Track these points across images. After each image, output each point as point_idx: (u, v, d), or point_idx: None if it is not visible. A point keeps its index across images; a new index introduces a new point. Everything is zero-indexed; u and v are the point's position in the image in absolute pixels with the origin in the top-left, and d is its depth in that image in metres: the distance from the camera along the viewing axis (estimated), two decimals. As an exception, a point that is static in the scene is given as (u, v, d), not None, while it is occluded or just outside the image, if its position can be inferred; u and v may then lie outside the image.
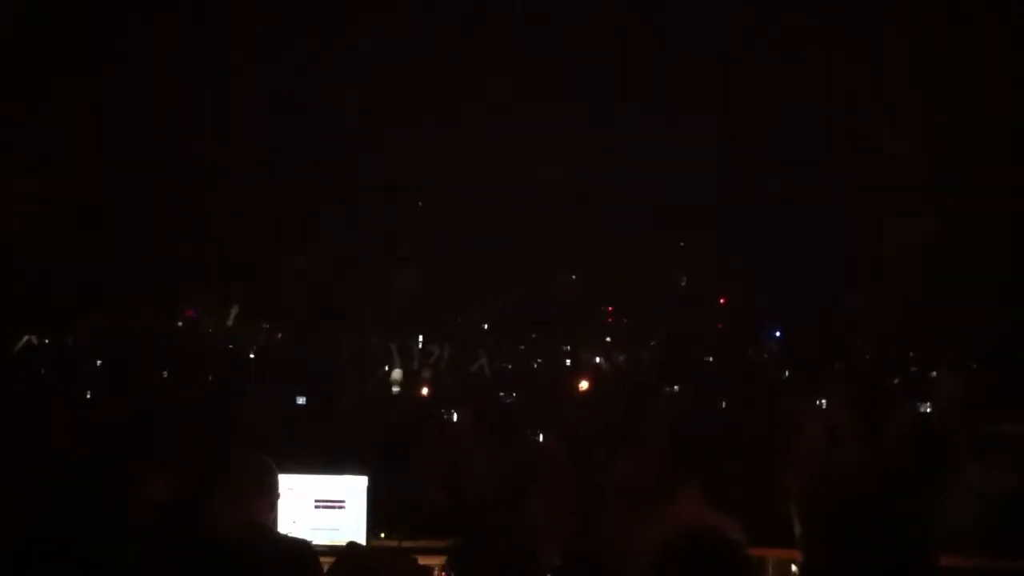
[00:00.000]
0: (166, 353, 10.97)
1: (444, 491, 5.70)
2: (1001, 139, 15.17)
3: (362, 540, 4.91)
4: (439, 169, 19.09)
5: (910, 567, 2.64)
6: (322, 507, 4.98)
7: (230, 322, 16.26)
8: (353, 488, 5.02)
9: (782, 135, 17.91)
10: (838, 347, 13.28)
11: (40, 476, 4.10)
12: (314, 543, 4.26)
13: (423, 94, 18.61)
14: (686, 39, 18.37)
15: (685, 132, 18.46)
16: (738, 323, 17.61)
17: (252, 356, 12.76)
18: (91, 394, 8.23)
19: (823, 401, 7.39)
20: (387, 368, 11.97)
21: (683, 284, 20.63)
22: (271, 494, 4.23)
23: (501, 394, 9.12)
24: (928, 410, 8.20)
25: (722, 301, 19.77)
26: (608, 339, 16.12)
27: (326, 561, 3.65)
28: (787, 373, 10.92)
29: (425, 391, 8.99)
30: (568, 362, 13.29)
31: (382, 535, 5.11)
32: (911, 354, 13.43)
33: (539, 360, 13.14)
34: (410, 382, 10.41)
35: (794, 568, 4.35)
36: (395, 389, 9.81)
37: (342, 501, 4.99)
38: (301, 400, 8.08)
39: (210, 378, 9.49)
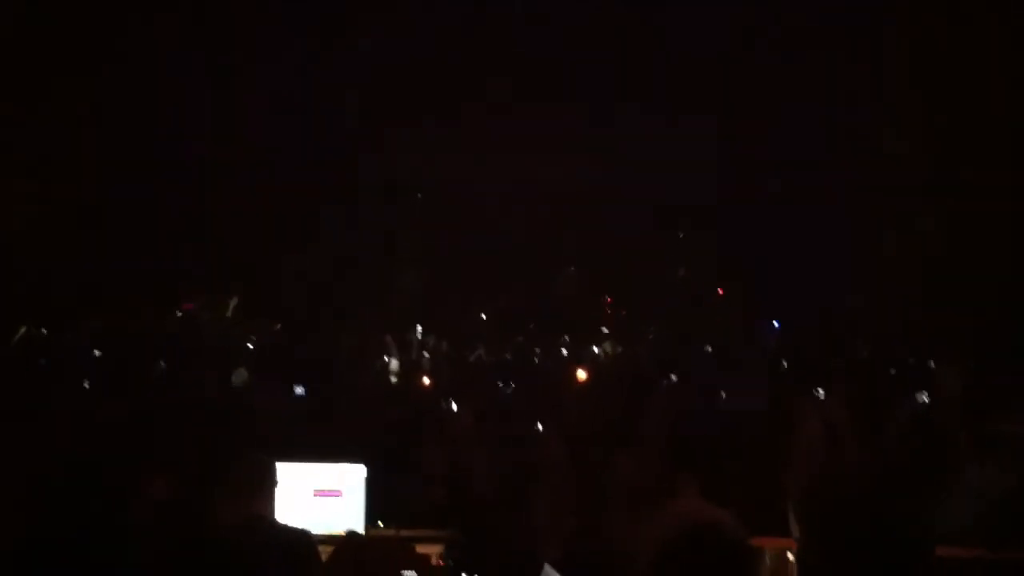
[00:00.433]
0: (164, 349, 10.97)
1: (444, 489, 5.71)
2: (1000, 136, 15.17)
3: (360, 529, 4.93)
4: (438, 167, 19.09)
5: (909, 567, 2.64)
6: (321, 496, 5.00)
7: (228, 314, 16.27)
8: (351, 477, 5.03)
9: (781, 133, 17.91)
10: (837, 344, 13.29)
11: (40, 475, 4.11)
12: (313, 532, 4.27)
13: (421, 93, 18.61)
14: (684, 38, 18.38)
15: (684, 129, 18.47)
16: (736, 315, 17.60)
17: (250, 347, 12.76)
18: (90, 391, 8.22)
19: (821, 395, 7.41)
20: (386, 358, 11.98)
21: (681, 275, 20.63)
22: (270, 489, 4.25)
23: (500, 384, 9.13)
24: (926, 399, 8.21)
25: (720, 292, 19.78)
26: (606, 330, 16.12)
27: (325, 550, 3.67)
28: (785, 364, 10.93)
29: (427, 381, 8.99)
30: (565, 352, 13.29)
31: (380, 524, 5.13)
32: (908, 349, 13.45)
33: (537, 350, 13.14)
34: (409, 373, 10.42)
35: (790, 557, 4.37)
36: (393, 379, 9.82)
37: (340, 490, 5.01)
38: (299, 390, 8.07)
39: (208, 373, 9.49)
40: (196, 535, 4.12)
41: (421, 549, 4.27)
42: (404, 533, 4.75)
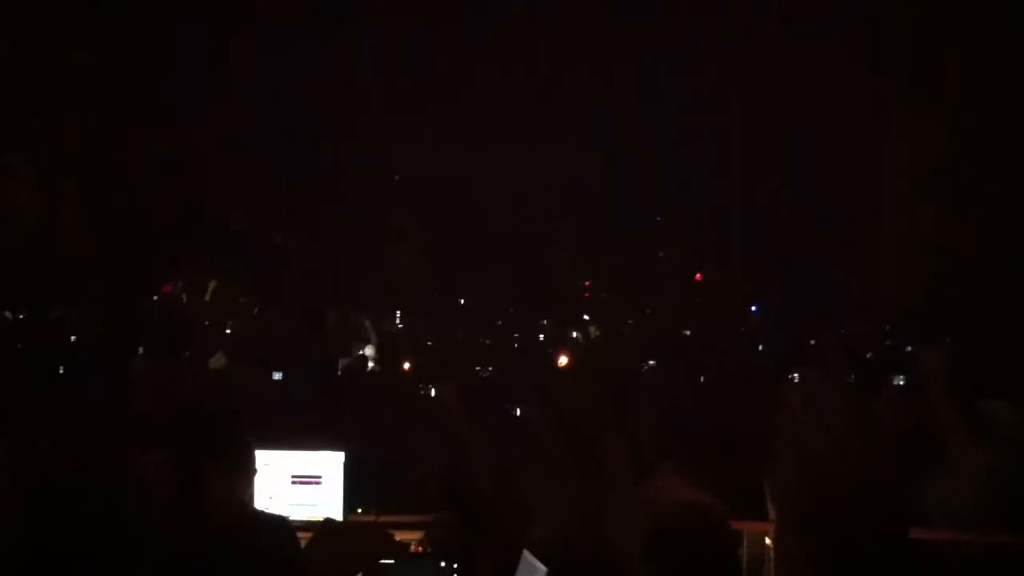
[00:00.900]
0: (143, 328, 10.90)
1: (432, 473, 5.70)
2: (989, 125, 15.24)
3: (339, 515, 4.92)
4: (419, 152, 19.03)
5: (884, 550, 2.66)
6: (299, 483, 4.99)
7: (207, 297, 16.18)
8: (330, 463, 5.02)
9: (765, 120, 17.95)
10: (824, 326, 13.34)
11: (30, 464, 4.08)
12: (291, 519, 4.26)
13: (406, 80, 18.57)
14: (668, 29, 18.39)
15: (666, 115, 18.47)
16: (716, 299, 17.66)
17: (228, 332, 12.71)
18: (66, 376, 8.17)
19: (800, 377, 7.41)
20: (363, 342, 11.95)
21: (661, 257, 20.66)
22: (249, 471, 4.23)
23: (477, 368, 9.13)
24: (902, 383, 8.25)
25: (698, 278, 19.82)
26: (586, 317, 16.12)
27: (303, 536, 3.66)
28: (760, 348, 10.97)
29: (407, 366, 8.97)
30: (541, 337, 13.28)
31: (359, 510, 5.12)
32: (887, 328, 13.51)
33: (517, 334, 13.14)
34: (387, 357, 10.38)
35: (768, 541, 4.38)
36: (370, 365, 9.78)
37: (319, 476, 5.00)
38: (277, 376, 8.06)
39: (187, 354, 9.44)
40: (179, 513, 4.11)
41: (401, 535, 4.27)
42: (383, 519, 4.74)
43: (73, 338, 10.58)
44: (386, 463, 5.64)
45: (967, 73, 15.57)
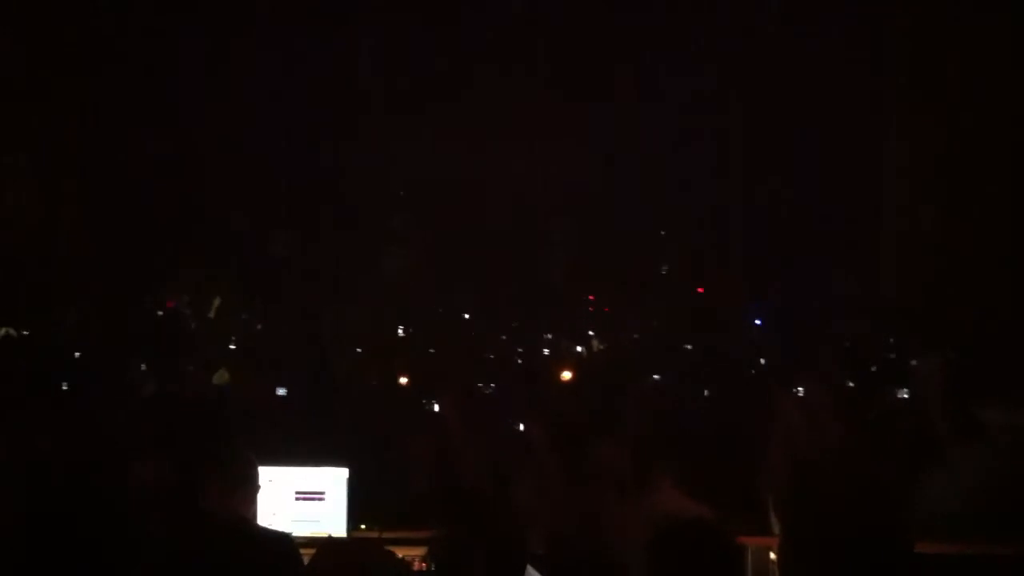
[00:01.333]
0: (147, 344, 10.91)
1: (429, 480, 5.69)
2: (987, 128, 15.23)
3: (343, 532, 4.92)
4: (420, 161, 19.04)
5: (887, 559, 2.65)
6: (302, 499, 4.99)
7: (212, 314, 16.20)
8: (334, 479, 5.02)
9: (765, 120, 17.93)
10: (819, 333, 13.33)
11: (32, 473, 4.08)
12: (295, 535, 4.26)
13: (400, 86, 18.56)
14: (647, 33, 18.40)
15: (665, 125, 18.48)
16: (718, 311, 17.63)
17: (232, 348, 12.71)
18: (71, 387, 8.18)
19: (801, 390, 7.40)
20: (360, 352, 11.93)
21: (664, 272, 20.66)
22: (252, 487, 4.23)
23: (480, 385, 9.11)
24: (906, 396, 8.23)
25: (700, 291, 19.81)
26: (590, 333, 16.10)
27: (307, 553, 3.66)
28: (762, 361, 10.95)
29: (404, 380, 8.94)
30: (547, 352, 13.27)
31: (363, 527, 5.12)
32: (891, 340, 13.48)
33: (520, 349, 13.13)
34: (390, 372, 10.37)
35: (772, 556, 4.38)
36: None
37: (322, 493, 4.99)
38: (281, 391, 8.06)
39: (191, 369, 9.45)
40: (180, 529, 4.11)
41: (404, 552, 4.26)
42: (387, 535, 4.74)
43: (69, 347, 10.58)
44: (385, 476, 5.63)
45: (967, 73, 15.55)
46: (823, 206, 17.63)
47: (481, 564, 3.79)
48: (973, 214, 15.36)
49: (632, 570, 2.93)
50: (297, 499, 4.98)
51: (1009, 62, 15.02)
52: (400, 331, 14.91)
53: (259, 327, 15.41)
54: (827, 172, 17.64)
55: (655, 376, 9.41)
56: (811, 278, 17.04)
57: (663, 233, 20.51)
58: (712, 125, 18.66)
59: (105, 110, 17.12)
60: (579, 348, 13.73)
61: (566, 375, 9.82)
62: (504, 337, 14.66)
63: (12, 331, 12.35)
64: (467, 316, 18.26)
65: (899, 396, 8.01)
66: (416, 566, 4.54)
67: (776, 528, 4.38)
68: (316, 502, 4.98)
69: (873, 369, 9.88)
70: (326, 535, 4.88)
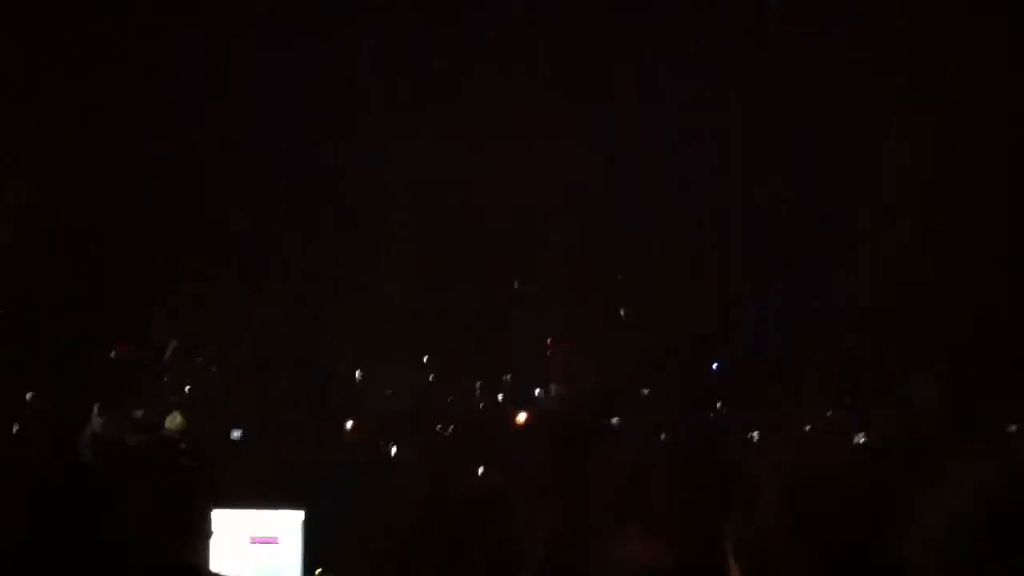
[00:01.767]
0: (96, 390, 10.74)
1: (388, 528, 5.60)
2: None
3: (297, 577, 4.83)
4: (376, 199, 18.88)
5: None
6: (257, 543, 4.89)
7: (167, 356, 15.98)
8: (288, 524, 4.93)
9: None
10: (780, 378, 13.32)
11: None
12: (248, 581, 4.17)
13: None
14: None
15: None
16: (678, 355, 17.59)
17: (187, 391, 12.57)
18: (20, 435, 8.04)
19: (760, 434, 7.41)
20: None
21: (623, 316, 20.63)
22: (206, 533, 4.15)
23: (439, 426, 9.06)
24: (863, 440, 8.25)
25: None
26: (556, 377, 16.01)
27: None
28: (719, 405, 10.98)
29: (349, 424, 8.86)
30: (500, 397, 13.20)
31: (318, 572, 5.03)
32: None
33: (478, 392, 13.09)
34: (349, 416, 10.30)
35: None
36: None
37: (276, 537, 4.90)
38: (236, 434, 7.97)
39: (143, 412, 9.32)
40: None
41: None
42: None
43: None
44: (343, 523, 5.55)
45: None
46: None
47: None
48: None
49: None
50: (251, 543, 4.89)
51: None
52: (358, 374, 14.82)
53: (214, 370, 15.24)
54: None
55: (613, 419, 9.38)
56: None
57: (620, 278, 20.50)
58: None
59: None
60: (538, 391, 13.71)
61: (521, 418, 9.78)
62: (462, 380, 14.61)
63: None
64: (425, 359, 18.15)
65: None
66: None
67: (736, 574, 4.35)
68: (271, 547, 4.89)
69: (830, 413, 9.93)
70: (280, 581, 4.79)
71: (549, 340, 20.06)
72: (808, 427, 8.23)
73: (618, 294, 20.36)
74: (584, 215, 18.89)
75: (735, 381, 14.25)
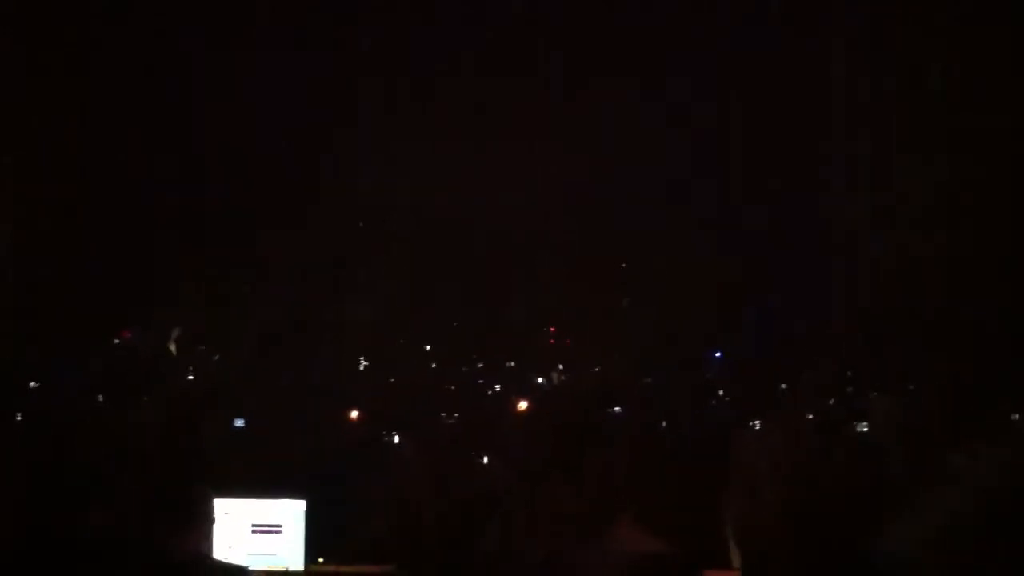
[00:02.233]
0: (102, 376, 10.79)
1: (385, 521, 5.65)
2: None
3: (300, 566, 4.87)
4: (379, 192, 18.94)
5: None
6: (259, 532, 4.93)
7: (171, 345, 16.02)
8: (290, 512, 4.97)
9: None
10: (781, 370, 13.34)
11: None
12: (251, 568, 4.20)
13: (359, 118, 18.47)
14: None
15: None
16: (679, 345, 17.62)
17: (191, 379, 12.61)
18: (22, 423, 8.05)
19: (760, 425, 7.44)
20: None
21: (625, 305, 20.66)
22: (207, 521, 4.18)
23: (443, 414, 9.09)
24: (865, 430, 8.27)
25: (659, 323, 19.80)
26: (559, 366, 16.07)
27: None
28: (722, 393, 11.01)
29: (355, 414, 8.88)
30: (498, 387, 13.21)
31: (320, 560, 5.07)
32: (848, 375, 13.55)
33: (481, 380, 13.13)
34: (350, 405, 10.32)
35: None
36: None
37: (279, 526, 4.94)
38: (239, 422, 7.99)
39: (146, 399, 9.35)
40: (134, 567, 4.04)
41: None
42: (344, 569, 4.70)
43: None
44: (343, 512, 5.59)
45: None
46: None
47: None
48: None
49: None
50: (254, 532, 4.92)
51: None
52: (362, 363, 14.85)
53: (217, 358, 15.28)
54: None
55: (616, 408, 9.43)
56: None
57: (624, 266, 20.53)
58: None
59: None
60: (540, 380, 13.74)
61: (522, 406, 9.81)
62: (465, 369, 14.64)
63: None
64: (428, 348, 18.20)
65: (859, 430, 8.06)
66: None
67: (736, 561, 4.39)
68: (273, 535, 4.93)
69: (832, 402, 9.94)
70: (283, 569, 4.83)
71: (552, 329, 20.12)
72: (810, 416, 8.26)
73: (620, 285, 20.40)
74: (584, 215, 18.93)
75: (736, 372, 14.29)
